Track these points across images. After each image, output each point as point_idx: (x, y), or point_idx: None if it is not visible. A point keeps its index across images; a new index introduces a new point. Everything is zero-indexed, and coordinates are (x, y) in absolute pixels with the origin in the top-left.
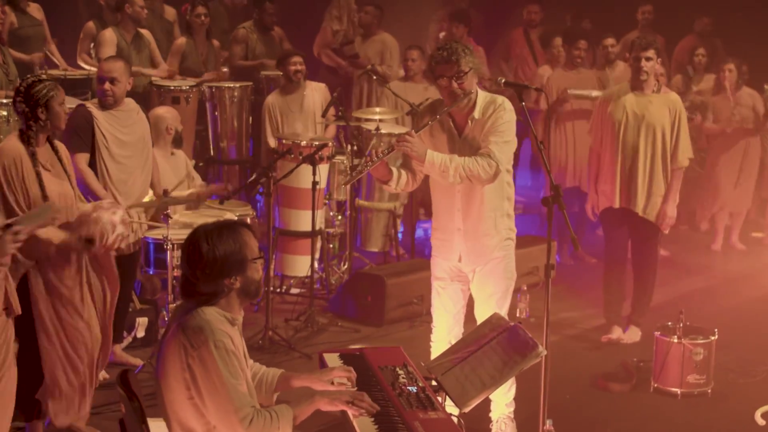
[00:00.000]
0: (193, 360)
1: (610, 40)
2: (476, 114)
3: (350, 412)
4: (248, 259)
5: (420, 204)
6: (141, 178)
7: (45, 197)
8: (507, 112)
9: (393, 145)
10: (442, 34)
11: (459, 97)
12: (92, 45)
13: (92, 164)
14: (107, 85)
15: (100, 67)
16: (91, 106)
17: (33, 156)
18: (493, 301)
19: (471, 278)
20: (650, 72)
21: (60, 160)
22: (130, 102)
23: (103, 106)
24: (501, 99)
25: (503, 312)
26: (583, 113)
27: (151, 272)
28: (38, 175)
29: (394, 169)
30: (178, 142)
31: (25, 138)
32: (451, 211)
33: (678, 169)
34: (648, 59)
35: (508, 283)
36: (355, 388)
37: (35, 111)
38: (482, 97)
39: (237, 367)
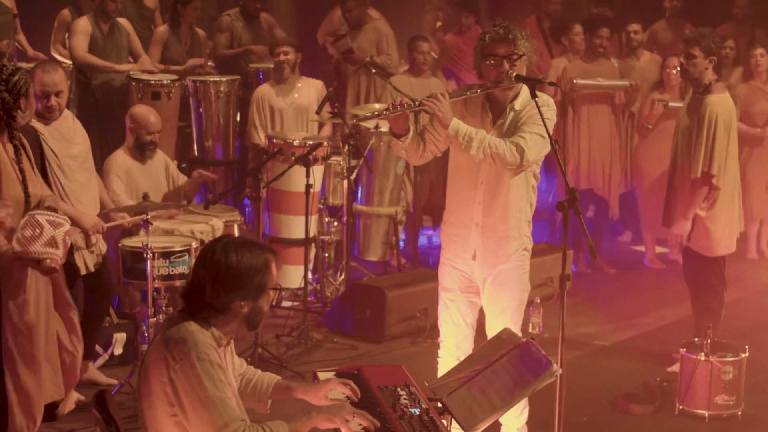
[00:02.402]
0: (175, 373)
1: (634, 26)
2: (517, 105)
3: None
4: (266, 286)
5: (424, 210)
6: (90, 189)
7: (27, 197)
8: (549, 110)
9: (422, 101)
10: (438, 24)
11: (507, 80)
12: (67, 35)
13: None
14: (53, 101)
15: (40, 81)
16: (34, 121)
17: (17, 151)
18: (506, 316)
19: (482, 288)
20: (694, 71)
21: (26, 153)
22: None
23: (47, 120)
24: (546, 96)
25: (517, 328)
26: (599, 112)
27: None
28: (22, 172)
29: (412, 131)
30: (140, 148)
31: (5, 132)
32: (471, 204)
33: (693, 180)
34: (690, 56)
35: (521, 296)
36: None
37: (18, 101)
38: (526, 90)
39: (223, 380)
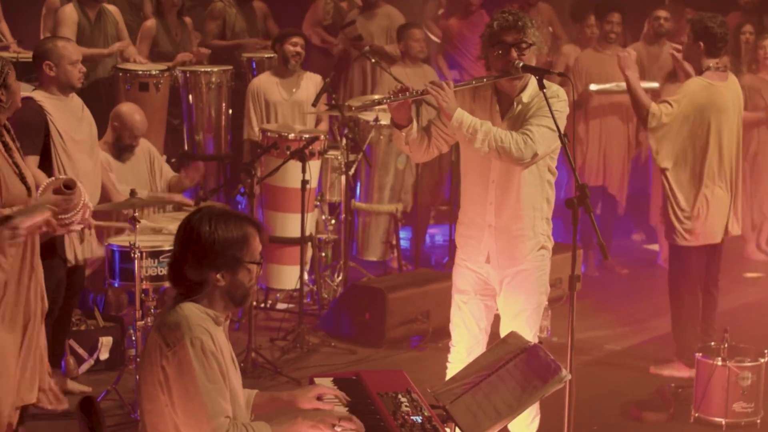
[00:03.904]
0: (168, 360)
1: (662, 12)
2: (525, 97)
3: None
4: (244, 260)
5: (433, 203)
6: (92, 179)
7: (29, 189)
8: (559, 101)
9: (424, 89)
10: (440, 12)
11: (514, 70)
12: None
13: (45, 167)
14: (83, 68)
15: (69, 50)
16: (42, 98)
17: (5, 145)
18: (522, 319)
19: (498, 291)
20: (685, 56)
21: (14, 142)
22: (74, 96)
23: (70, 90)
24: (556, 87)
25: (533, 332)
26: (613, 105)
27: (116, 285)
28: (17, 166)
29: (415, 123)
30: (119, 149)
31: None
32: (483, 204)
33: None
34: (676, 48)
35: (539, 298)
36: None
37: None
38: (535, 81)
39: (215, 370)
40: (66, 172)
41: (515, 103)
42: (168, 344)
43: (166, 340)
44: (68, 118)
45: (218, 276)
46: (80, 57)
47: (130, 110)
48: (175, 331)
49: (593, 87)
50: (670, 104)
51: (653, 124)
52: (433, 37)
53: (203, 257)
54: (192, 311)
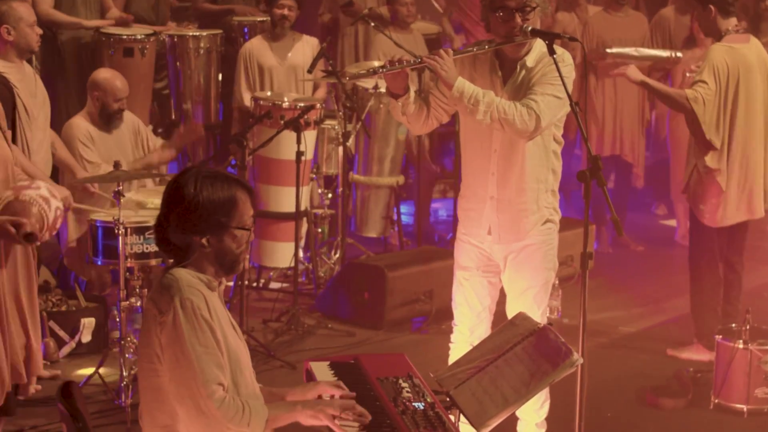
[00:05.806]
0: (162, 328)
1: None
2: (529, 61)
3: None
4: (230, 225)
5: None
6: (44, 149)
7: None
8: (565, 66)
9: (422, 58)
10: None
11: (518, 36)
12: None
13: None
14: (39, 30)
15: (30, 12)
16: (4, 68)
17: None
18: (529, 297)
19: (503, 268)
20: (699, 22)
21: None
22: (26, 64)
23: (30, 54)
24: (561, 50)
25: (541, 311)
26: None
27: (99, 263)
28: None
29: (412, 92)
30: (107, 117)
31: None
32: (484, 174)
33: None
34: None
35: (547, 274)
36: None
37: None
38: (540, 44)
39: (207, 335)
40: (28, 147)
41: (519, 67)
42: (161, 311)
43: (159, 307)
44: (27, 87)
45: (203, 241)
46: (36, 19)
47: (108, 76)
48: (165, 295)
49: (610, 50)
50: (705, 82)
51: (699, 109)
52: (436, 5)
53: (185, 221)
54: (183, 275)
